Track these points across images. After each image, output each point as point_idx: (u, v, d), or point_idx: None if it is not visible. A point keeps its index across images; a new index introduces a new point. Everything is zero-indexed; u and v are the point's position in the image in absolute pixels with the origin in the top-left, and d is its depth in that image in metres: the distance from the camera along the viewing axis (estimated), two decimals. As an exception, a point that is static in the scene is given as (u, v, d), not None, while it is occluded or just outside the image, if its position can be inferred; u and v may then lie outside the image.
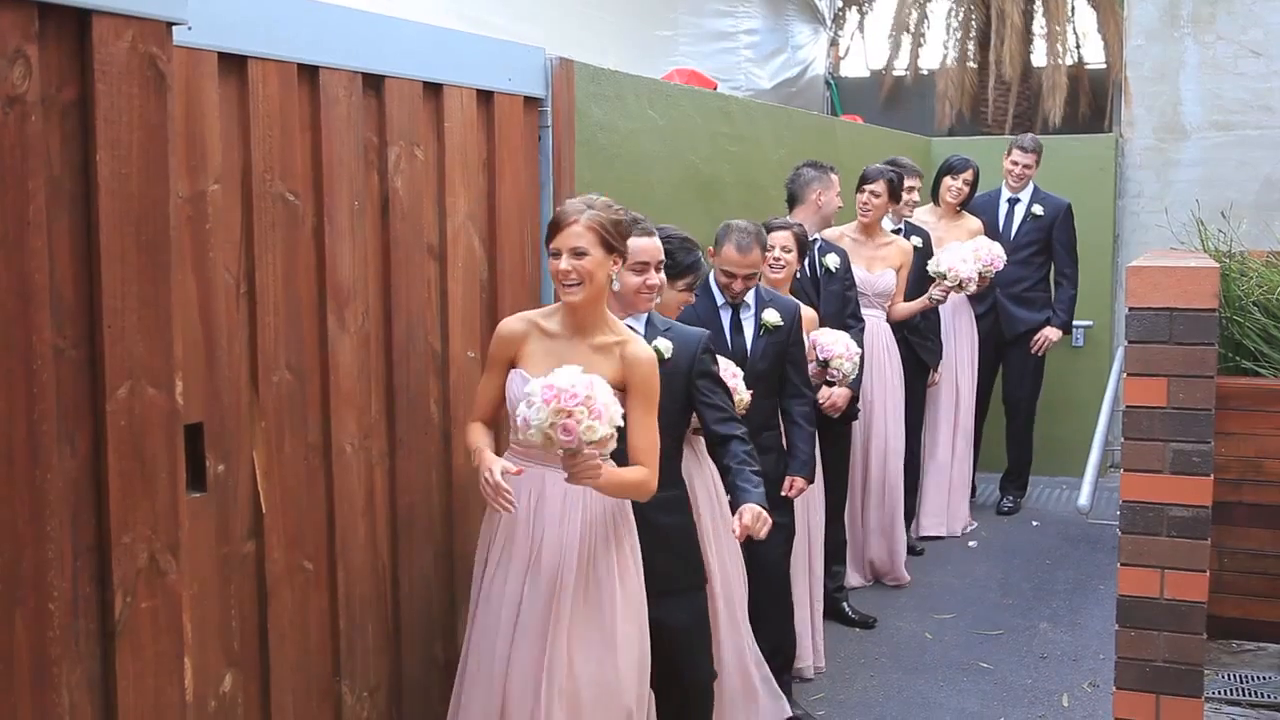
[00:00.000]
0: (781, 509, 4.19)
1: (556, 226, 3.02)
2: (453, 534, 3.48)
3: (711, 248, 4.13)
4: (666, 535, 3.40)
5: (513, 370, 3.09)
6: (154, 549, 2.23)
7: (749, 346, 4.16)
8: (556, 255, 3.00)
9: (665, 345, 3.42)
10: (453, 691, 3.16)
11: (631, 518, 3.19)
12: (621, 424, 2.82)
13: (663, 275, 3.46)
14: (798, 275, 4.85)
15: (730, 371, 3.78)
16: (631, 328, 3.40)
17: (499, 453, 3.12)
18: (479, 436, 3.13)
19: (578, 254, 2.98)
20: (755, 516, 3.27)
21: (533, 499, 3.05)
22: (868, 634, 5.16)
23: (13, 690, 2.00)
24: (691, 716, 3.54)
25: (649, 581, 3.30)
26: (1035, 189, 6.79)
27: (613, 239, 3.03)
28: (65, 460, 2.10)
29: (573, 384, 2.74)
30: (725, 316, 4.17)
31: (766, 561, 4.19)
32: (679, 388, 3.43)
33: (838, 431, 5.05)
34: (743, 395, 3.83)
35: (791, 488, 4.23)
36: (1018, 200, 6.75)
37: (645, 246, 3.38)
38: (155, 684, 2.24)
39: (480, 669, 3.05)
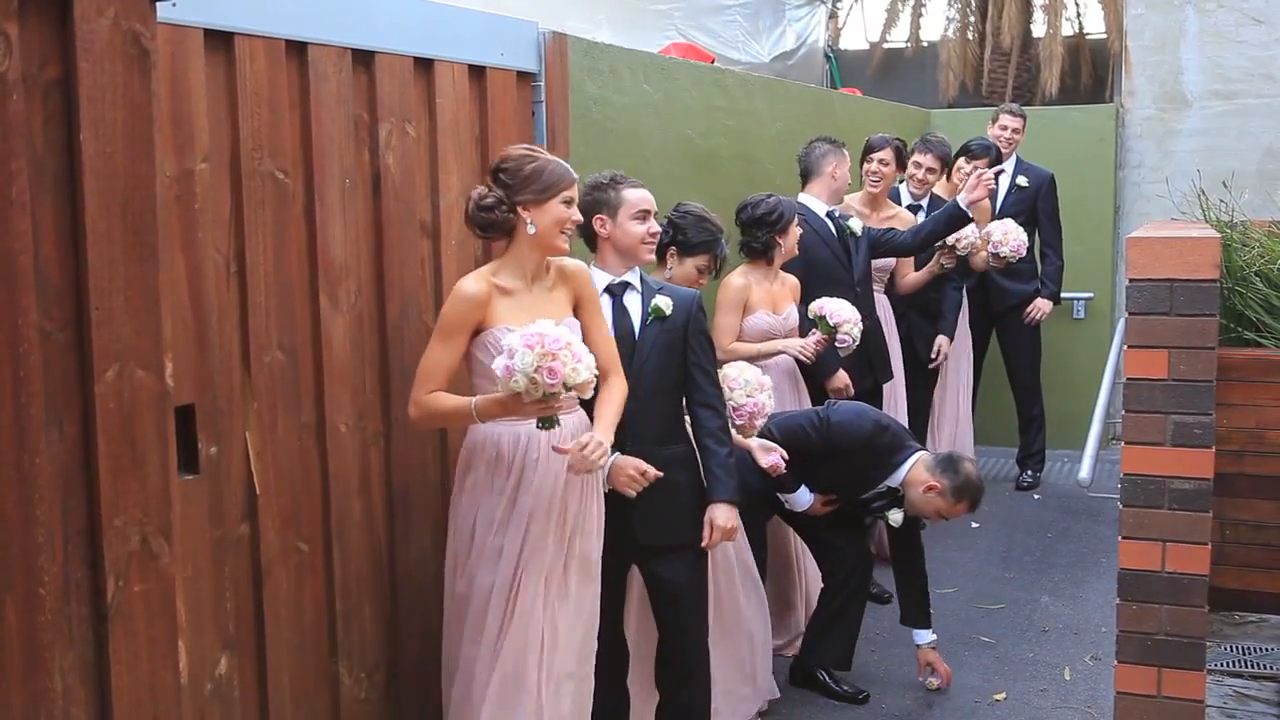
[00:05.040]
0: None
1: (569, 177, 3.10)
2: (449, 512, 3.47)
3: (940, 485, 4.03)
4: (679, 491, 3.45)
5: (486, 331, 3.04)
6: (146, 532, 2.21)
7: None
8: (570, 203, 3.10)
9: (666, 303, 3.46)
10: (448, 669, 3.13)
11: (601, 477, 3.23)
12: (597, 373, 2.89)
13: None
14: (826, 243, 4.86)
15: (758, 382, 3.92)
16: (628, 283, 3.45)
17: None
18: (459, 399, 3.00)
19: (573, 204, 3.13)
20: (725, 533, 3.43)
21: (541, 449, 3.05)
22: (869, 609, 5.14)
23: (5, 676, 1.99)
24: (693, 677, 3.56)
25: (655, 536, 3.40)
26: (1018, 160, 6.74)
27: None
28: (54, 444, 2.07)
29: (554, 331, 2.80)
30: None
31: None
32: (678, 344, 3.46)
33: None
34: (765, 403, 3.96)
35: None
36: (1002, 171, 6.69)
37: (645, 196, 3.46)
38: (149, 667, 2.22)
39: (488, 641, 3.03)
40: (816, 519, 4.28)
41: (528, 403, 2.82)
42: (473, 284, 3.06)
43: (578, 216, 3.12)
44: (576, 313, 3.19)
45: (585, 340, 3.12)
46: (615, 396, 3.18)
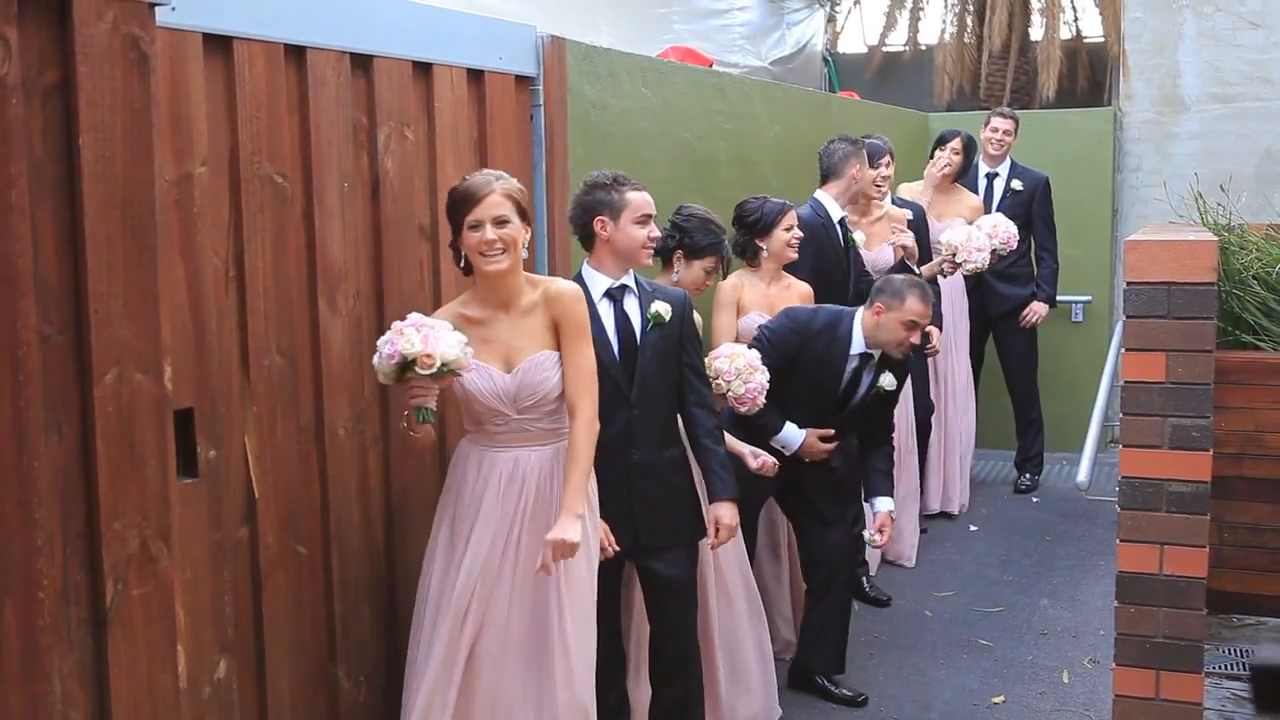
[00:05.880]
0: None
1: (472, 199, 2.97)
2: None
3: (881, 304, 4.08)
4: (679, 492, 3.55)
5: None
6: (145, 535, 2.21)
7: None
8: (476, 227, 2.96)
9: (665, 309, 3.48)
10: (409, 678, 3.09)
11: (595, 500, 3.19)
12: (451, 361, 2.81)
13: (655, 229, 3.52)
14: (832, 246, 4.90)
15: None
16: (626, 286, 3.42)
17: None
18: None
19: (500, 222, 2.97)
20: (730, 530, 3.55)
21: (503, 479, 3.03)
22: (868, 612, 5.16)
23: (4, 679, 1.99)
24: (687, 668, 3.59)
25: (657, 538, 3.46)
26: (1012, 163, 6.74)
27: (526, 208, 3.05)
28: (53, 447, 2.08)
29: (415, 317, 2.85)
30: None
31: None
32: (674, 347, 3.50)
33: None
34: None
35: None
36: (996, 175, 6.70)
37: (647, 199, 3.46)
38: (148, 671, 2.23)
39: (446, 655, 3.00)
40: (810, 501, 4.27)
41: (387, 382, 2.86)
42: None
43: (490, 236, 2.95)
44: (557, 336, 3.07)
45: (564, 366, 3.05)
46: (581, 445, 2.99)
